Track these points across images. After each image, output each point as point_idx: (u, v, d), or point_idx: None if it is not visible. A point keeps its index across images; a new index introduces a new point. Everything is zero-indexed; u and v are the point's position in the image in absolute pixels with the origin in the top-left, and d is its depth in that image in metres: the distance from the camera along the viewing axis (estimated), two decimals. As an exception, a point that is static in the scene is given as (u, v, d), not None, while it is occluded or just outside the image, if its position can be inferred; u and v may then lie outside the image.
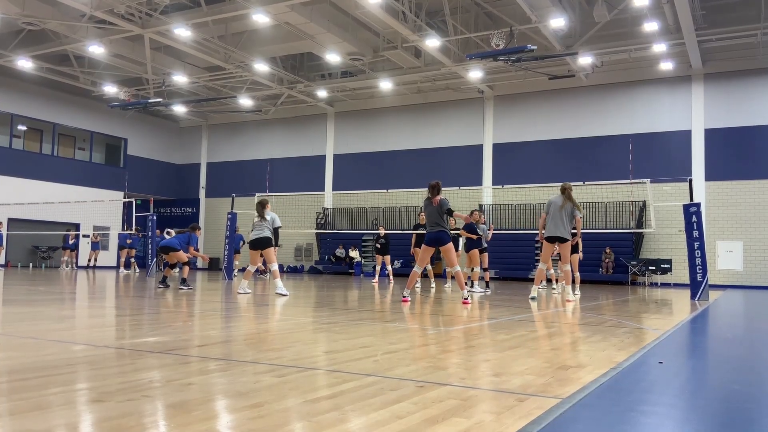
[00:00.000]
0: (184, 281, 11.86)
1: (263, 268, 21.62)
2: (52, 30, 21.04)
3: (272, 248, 10.86)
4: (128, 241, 23.07)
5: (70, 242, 24.99)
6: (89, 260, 25.36)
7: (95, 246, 25.65)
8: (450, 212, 9.34)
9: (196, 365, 3.71)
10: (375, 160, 27.77)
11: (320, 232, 27.39)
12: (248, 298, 9.88)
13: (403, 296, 9.46)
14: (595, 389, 3.16)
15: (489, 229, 13.80)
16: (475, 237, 12.98)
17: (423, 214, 14.22)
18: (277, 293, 10.49)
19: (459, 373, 3.58)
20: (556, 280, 14.39)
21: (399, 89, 26.13)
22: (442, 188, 9.46)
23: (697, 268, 12.15)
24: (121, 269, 22.78)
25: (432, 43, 19.86)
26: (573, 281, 13.80)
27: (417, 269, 9.73)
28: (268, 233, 10.84)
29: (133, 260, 23.64)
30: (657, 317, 8.33)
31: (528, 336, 5.68)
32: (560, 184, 10.38)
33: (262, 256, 11.22)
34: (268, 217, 10.93)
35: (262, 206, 10.98)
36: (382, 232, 17.45)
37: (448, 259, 9.63)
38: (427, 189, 9.51)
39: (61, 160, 28.77)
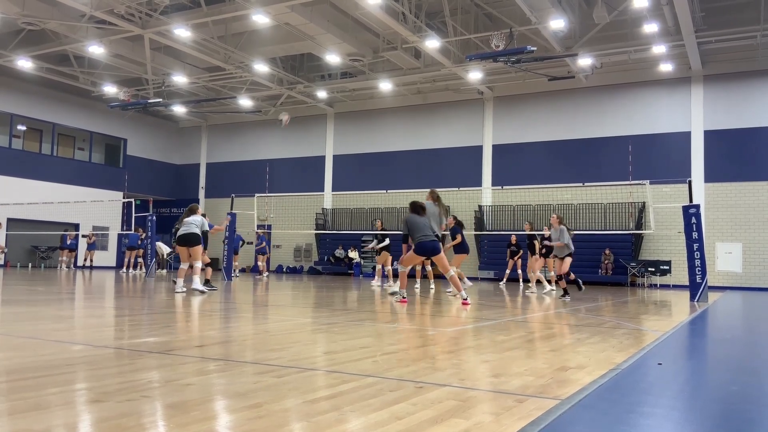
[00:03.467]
0: (208, 282, 11.47)
1: (263, 268, 21.69)
2: (52, 30, 21.04)
3: (200, 246, 10.67)
4: (139, 242, 22.85)
5: (69, 242, 24.92)
6: (85, 260, 25.30)
7: (91, 246, 25.56)
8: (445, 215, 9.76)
9: (195, 365, 3.70)
10: (374, 160, 27.77)
11: (320, 232, 27.39)
12: (248, 299, 9.87)
13: (401, 297, 9.49)
14: (594, 390, 3.16)
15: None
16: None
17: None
18: (192, 288, 10.40)
19: (458, 374, 3.58)
20: (549, 281, 14.79)
21: (399, 90, 26.13)
22: (442, 189, 9.66)
23: (697, 269, 12.15)
24: (130, 270, 22.54)
25: (432, 44, 19.86)
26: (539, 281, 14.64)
27: (404, 269, 9.77)
28: (195, 230, 10.73)
29: (140, 260, 23.47)
30: (656, 318, 8.33)
31: (527, 337, 5.68)
32: (560, 185, 10.62)
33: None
34: (197, 219, 10.89)
35: (191, 211, 10.98)
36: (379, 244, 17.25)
37: (441, 266, 9.69)
38: (423, 195, 9.75)
39: (60, 160, 28.76)
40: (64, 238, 24.92)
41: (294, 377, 3.35)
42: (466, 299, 9.37)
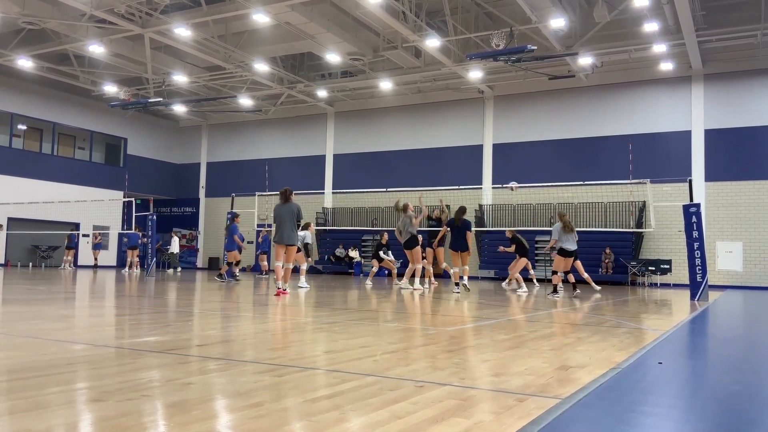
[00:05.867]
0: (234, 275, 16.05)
1: (266, 267, 21.69)
2: (53, 29, 21.03)
3: (302, 253, 13.49)
4: (139, 241, 22.82)
5: (77, 242, 24.94)
6: (96, 260, 25.41)
7: (97, 246, 25.66)
8: (299, 222, 10.46)
9: (195, 365, 3.71)
10: (375, 160, 27.76)
11: (320, 228, 27.37)
12: (247, 298, 9.89)
13: (281, 289, 9.97)
14: (594, 389, 3.16)
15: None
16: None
17: (441, 213, 14.78)
18: (297, 286, 12.59)
19: (458, 373, 3.58)
20: (530, 280, 16.27)
21: (399, 89, 26.11)
22: (442, 188, 9.71)
23: (697, 268, 12.14)
24: (134, 269, 22.48)
25: (432, 43, 19.84)
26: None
27: (278, 263, 10.34)
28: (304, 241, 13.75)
29: (137, 260, 23.42)
30: (656, 317, 8.33)
31: (527, 336, 5.68)
32: (560, 184, 10.82)
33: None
34: (301, 234, 12.97)
35: (304, 228, 13.68)
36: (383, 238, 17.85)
37: (290, 256, 10.45)
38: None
39: (60, 159, 28.75)
40: (73, 237, 24.91)
41: (294, 376, 3.35)
42: (284, 290, 10.01)
